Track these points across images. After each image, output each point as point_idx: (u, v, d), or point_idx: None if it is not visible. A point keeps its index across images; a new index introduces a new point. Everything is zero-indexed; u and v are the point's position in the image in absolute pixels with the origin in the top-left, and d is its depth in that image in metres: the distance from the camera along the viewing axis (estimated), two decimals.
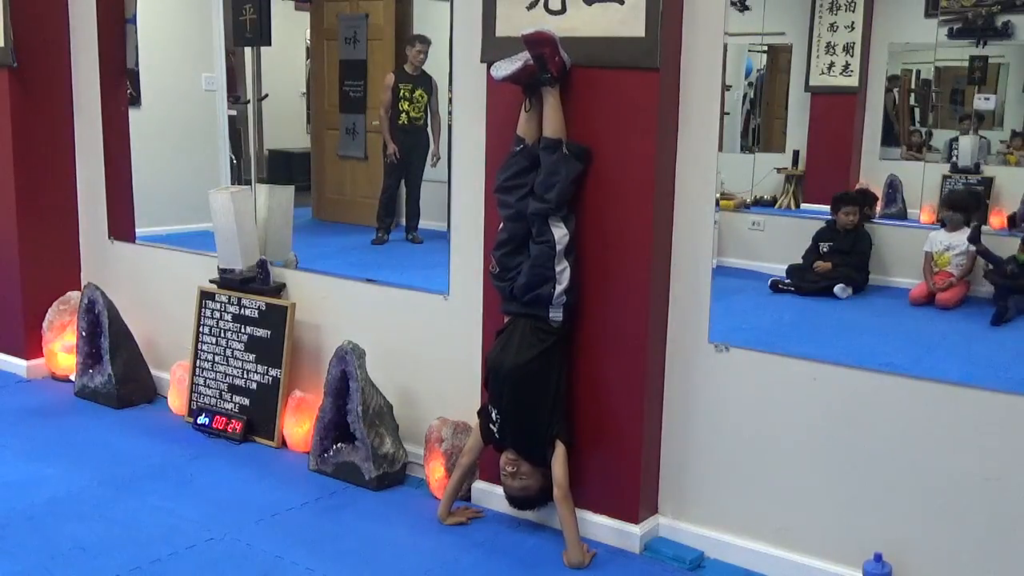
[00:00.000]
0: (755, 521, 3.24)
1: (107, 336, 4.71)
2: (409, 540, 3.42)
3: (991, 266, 4.32)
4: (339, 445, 3.93)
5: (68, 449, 4.17)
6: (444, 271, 3.82)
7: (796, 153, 5.41)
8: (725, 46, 3.13)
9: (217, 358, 4.48)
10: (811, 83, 5.30)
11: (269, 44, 4.47)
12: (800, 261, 4.81)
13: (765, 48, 5.58)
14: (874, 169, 5.17)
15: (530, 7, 3.29)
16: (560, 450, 3.30)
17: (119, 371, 4.70)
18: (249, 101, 4.87)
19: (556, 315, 3.27)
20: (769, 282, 4.68)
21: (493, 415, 3.41)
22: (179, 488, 3.80)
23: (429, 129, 6.45)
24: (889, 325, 4.43)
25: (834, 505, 3.08)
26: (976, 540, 2.85)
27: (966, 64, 4.93)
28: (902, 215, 5.07)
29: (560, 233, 3.22)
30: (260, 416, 4.31)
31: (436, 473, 3.73)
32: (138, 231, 5.18)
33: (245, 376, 4.38)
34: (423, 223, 6.22)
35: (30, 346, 5.10)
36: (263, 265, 4.40)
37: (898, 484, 2.96)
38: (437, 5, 6.04)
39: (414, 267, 5.95)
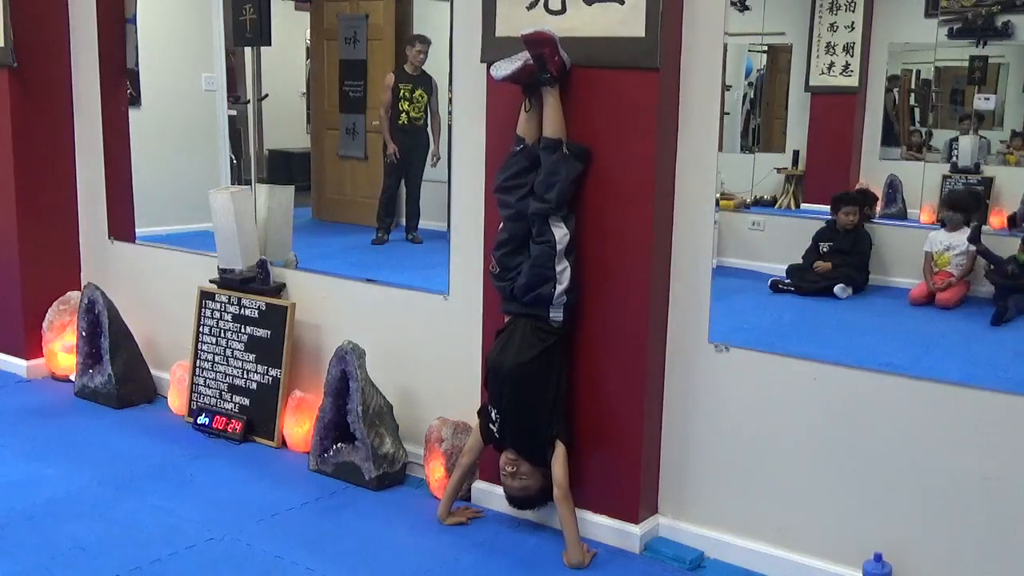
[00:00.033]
0: (755, 521, 3.24)
1: (107, 336, 4.71)
2: (409, 540, 3.42)
3: (992, 266, 4.32)
4: (339, 445, 3.93)
5: (68, 449, 4.17)
6: (444, 271, 3.82)
7: (796, 153, 5.41)
8: (725, 46, 3.13)
9: (217, 358, 4.48)
10: (811, 83, 5.30)
11: (269, 44, 4.47)
12: (800, 261, 4.81)
13: (765, 48, 5.58)
14: (874, 169, 5.17)
15: (530, 7, 3.29)
16: (560, 450, 3.30)
17: (119, 371, 4.70)
18: (249, 101, 4.87)
19: (556, 315, 3.27)
20: (769, 282, 4.68)
21: (493, 415, 3.41)
22: (179, 488, 3.80)
23: (429, 129, 6.45)
24: (889, 325, 4.43)
25: (834, 505, 3.08)
26: (976, 540, 2.85)
27: (966, 64, 4.94)
28: (902, 215, 5.07)
29: (560, 233, 3.22)
30: (260, 416, 4.31)
31: (436, 473, 3.73)
32: (138, 231, 5.18)
33: (245, 376, 4.38)
34: (423, 223, 6.22)
35: (30, 346, 5.10)
36: (263, 265, 4.40)
37: (898, 484, 2.96)
38: (437, 5, 6.04)
39: (414, 267, 5.95)
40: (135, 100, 5.72)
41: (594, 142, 3.23)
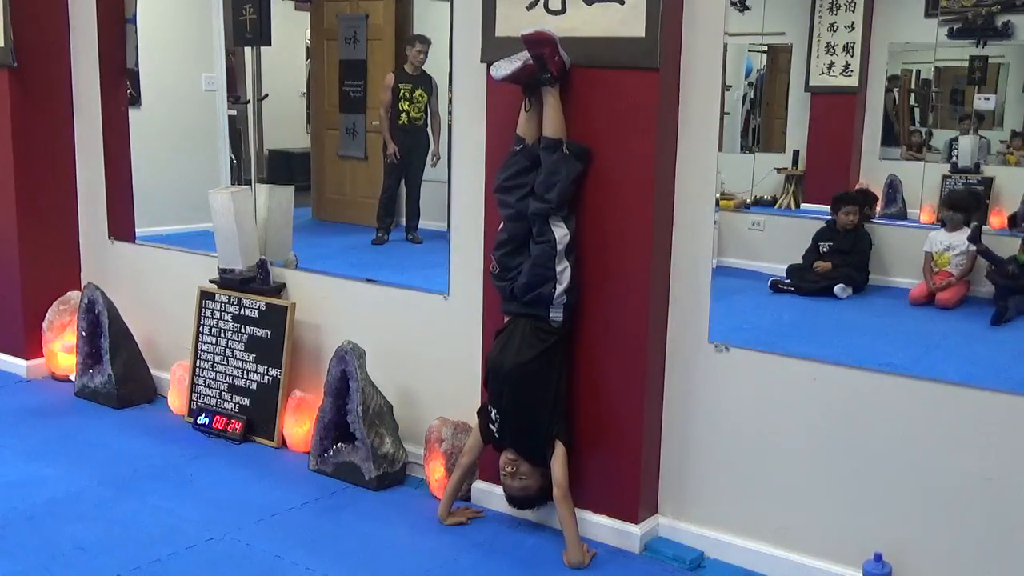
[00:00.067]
0: (755, 521, 3.24)
1: (107, 336, 4.71)
2: (409, 540, 3.42)
3: (992, 266, 4.32)
4: (339, 445, 3.93)
5: (68, 449, 4.17)
6: (444, 271, 3.82)
7: (796, 153, 5.41)
8: (725, 46, 3.13)
9: (217, 358, 4.48)
10: (811, 83, 5.30)
11: (269, 44, 4.47)
12: (800, 261, 4.81)
13: (765, 48, 5.58)
14: (874, 169, 5.17)
15: (530, 7, 3.29)
16: (560, 450, 3.30)
17: (119, 371, 4.70)
18: (249, 101, 4.87)
19: (556, 315, 3.27)
20: (769, 282, 4.68)
21: (493, 415, 3.41)
22: (179, 488, 3.80)
23: (429, 129, 6.45)
24: (889, 325, 4.43)
25: (834, 505, 3.08)
26: (976, 540, 2.85)
27: (966, 64, 4.93)
28: (902, 215, 5.07)
29: (561, 233, 3.22)
30: (260, 416, 4.31)
31: (436, 473, 3.73)
32: (138, 231, 5.18)
33: (245, 376, 4.38)
34: (423, 223, 6.22)
35: (30, 346, 5.10)
36: (263, 265, 4.40)
37: (898, 484, 2.96)
38: (437, 5, 6.04)
39: (414, 267, 5.95)
40: (135, 100, 5.72)
41: (594, 142, 3.23)
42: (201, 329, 4.54)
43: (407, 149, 6.40)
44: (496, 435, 3.42)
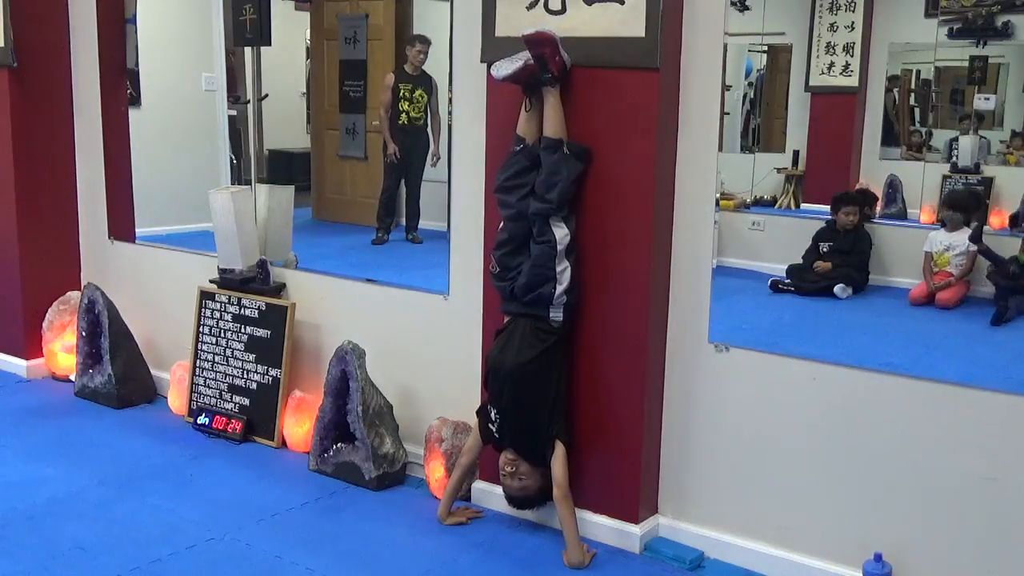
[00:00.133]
0: (755, 521, 3.24)
1: (107, 336, 4.71)
2: (409, 540, 3.42)
3: (993, 266, 4.32)
4: (339, 445, 3.93)
5: (68, 449, 4.17)
6: (444, 271, 3.82)
7: (796, 153, 5.41)
8: (725, 46, 3.13)
9: (217, 358, 4.48)
10: (811, 83, 5.30)
11: (269, 44, 4.47)
12: (800, 261, 4.81)
13: (765, 48, 5.58)
14: (874, 169, 5.17)
15: (530, 7, 3.29)
16: (560, 450, 3.30)
17: (119, 371, 4.70)
18: (249, 101, 4.87)
19: (556, 315, 3.27)
20: (769, 282, 4.67)
21: (492, 415, 3.41)
22: (179, 488, 3.80)
23: (429, 129, 6.45)
24: (889, 325, 4.43)
25: (834, 505, 3.08)
26: (976, 540, 2.85)
27: (966, 64, 4.93)
28: (902, 215, 5.07)
29: (561, 233, 3.22)
30: (260, 416, 4.31)
31: (436, 473, 3.73)
32: (138, 231, 5.17)
33: (245, 376, 4.38)
34: (423, 223, 6.22)
35: (30, 346, 5.10)
36: (263, 265, 4.40)
37: (898, 484, 2.96)
38: (437, 5, 6.04)
39: (414, 267, 5.95)
40: (135, 100, 5.72)
41: (594, 142, 3.23)
42: (201, 329, 4.54)
43: (407, 149, 6.40)
44: (496, 435, 3.42)
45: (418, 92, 6.41)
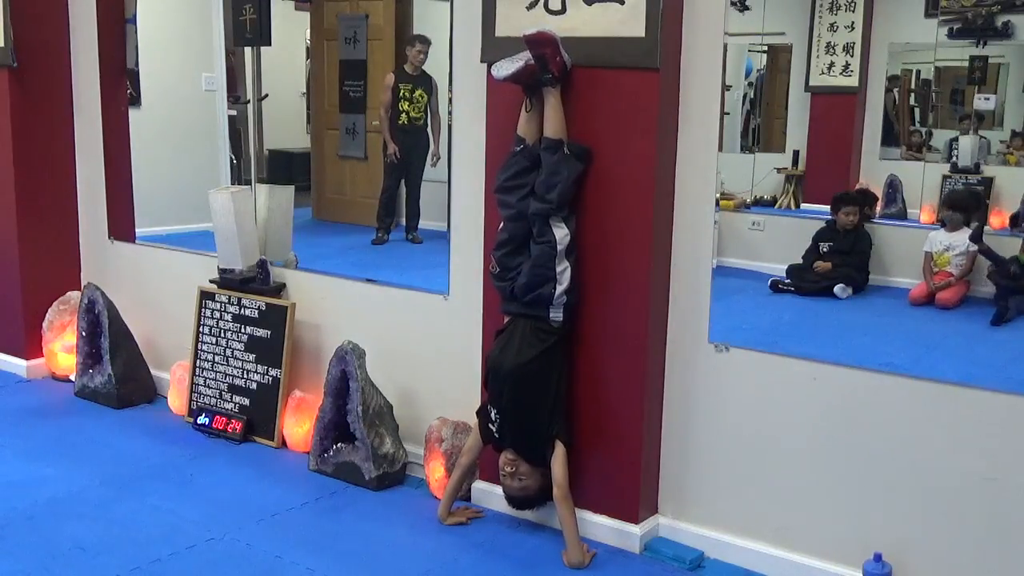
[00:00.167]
0: (755, 521, 3.24)
1: (107, 336, 4.71)
2: (409, 540, 3.42)
3: (994, 266, 4.32)
4: (339, 445, 3.93)
5: (68, 449, 4.17)
6: (444, 271, 3.82)
7: (796, 153, 5.41)
8: (725, 46, 3.13)
9: (217, 358, 4.48)
10: (811, 83, 5.30)
11: (269, 44, 4.47)
12: (800, 261, 4.81)
13: (765, 48, 5.58)
14: (874, 169, 5.17)
15: (530, 7, 3.29)
16: (560, 450, 3.30)
17: (119, 371, 4.70)
18: (249, 101, 4.87)
19: (556, 315, 3.27)
20: (769, 282, 4.67)
21: (492, 415, 3.41)
22: (179, 488, 3.80)
23: (429, 129, 6.45)
24: (889, 325, 4.43)
25: (834, 505, 3.08)
26: (976, 540, 2.85)
27: (966, 64, 4.93)
28: (902, 215, 5.07)
29: (561, 233, 3.22)
30: (260, 416, 4.31)
31: (436, 473, 3.73)
32: (138, 231, 5.17)
33: (245, 376, 4.38)
34: (423, 223, 6.22)
35: (30, 346, 5.10)
36: (263, 265, 4.40)
37: (898, 484, 2.96)
38: (437, 5, 6.04)
39: (414, 267, 5.95)
40: (135, 100, 5.72)
41: (594, 142, 3.23)
42: (201, 329, 4.54)
43: (407, 149, 6.40)
44: (496, 435, 3.42)
45: (418, 92, 6.41)
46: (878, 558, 2.92)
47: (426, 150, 6.39)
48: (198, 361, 4.54)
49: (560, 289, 3.23)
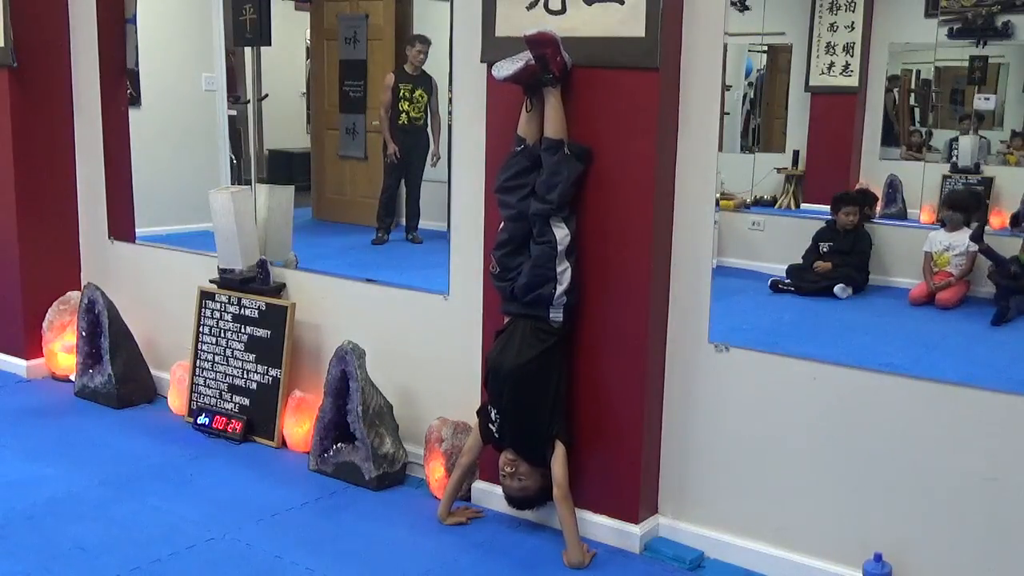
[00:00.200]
0: (755, 521, 3.24)
1: (107, 336, 4.71)
2: (409, 540, 3.42)
3: (994, 266, 4.32)
4: (339, 445, 3.93)
5: (68, 449, 4.17)
6: (444, 271, 3.82)
7: (796, 153, 5.41)
8: (725, 46, 3.13)
9: (217, 358, 4.48)
10: (811, 83, 5.31)
11: (269, 44, 4.47)
12: (800, 261, 4.81)
13: (765, 48, 5.58)
14: (874, 169, 5.17)
15: (530, 7, 3.29)
16: (560, 450, 3.30)
17: (119, 371, 4.70)
18: (249, 101, 4.87)
19: (556, 315, 3.27)
20: (769, 282, 4.68)
21: (492, 415, 3.41)
22: (179, 488, 3.80)
23: (429, 129, 6.45)
24: (889, 325, 4.43)
25: (834, 505, 3.08)
26: (976, 540, 2.85)
27: (966, 64, 4.94)
28: (902, 215, 5.08)
29: (562, 233, 3.22)
30: (260, 416, 4.31)
31: (436, 473, 3.73)
32: (138, 231, 5.17)
33: (245, 376, 4.38)
34: (423, 223, 6.22)
35: (30, 346, 5.10)
36: (263, 265, 4.40)
37: (898, 484, 2.96)
38: (437, 5, 6.05)
39: (414, 267, 5.95)
40: (135, 100, 5.72)
41: (594, 142, 3.23)
42: (201, 329, 4.54)
43: (407, 149, 6.40)
44: (496, 435, 3.42)
45: (418, 92, 6.42)
46: (878, 558, 2.92)
47: (426, 150, 6.39)
48: (198, 361, 4.54)
49: (560, 289, 3.23)
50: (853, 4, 5.10)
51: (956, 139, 5.13)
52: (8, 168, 4.96)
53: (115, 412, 4.66)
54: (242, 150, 6.48)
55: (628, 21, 3.10)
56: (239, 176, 6.29)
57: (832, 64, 5.18)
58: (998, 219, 4.74)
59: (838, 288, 4.59)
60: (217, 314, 4.48)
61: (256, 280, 4.41)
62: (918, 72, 5.34)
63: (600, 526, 3.40)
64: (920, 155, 5.23)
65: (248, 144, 5.34)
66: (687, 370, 3.31)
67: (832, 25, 5.15)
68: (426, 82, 6.40)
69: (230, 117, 6.46)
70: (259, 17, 4.37)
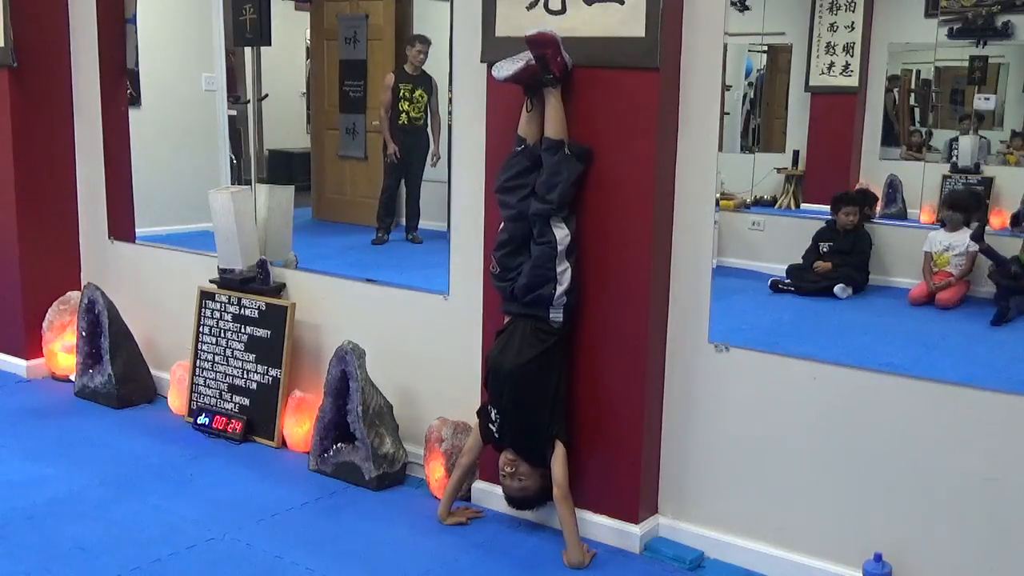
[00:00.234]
0: (755, 521, 3.24)
1: (107, 336, 4.71)
2: (409, 540, 3.42)
3: (995, 266, 4.32)
4: (339, 445, 3.93)
5: (68, 449, 4.17)
6: (444, 271, 3.82)
7: (796, 153, 5.41)
8: (725, 46, 3.13)
9: (217, 358, 4.48)
10: (811, 83, 5.31)
11: (269, 44, 4.47)
12: (800, 261, 4.81)
13: (765, 48, 5.58)
14: (874, 169, 5.17)
15: (530, 7, 3.29)
16: (560, 450, 3.30)
17: (119, 371, 4.70)
18: (249, 101, 4.87)
19: (556, 316, 3.27)
20: (769, 282, 4.68)
21: (492, 415, 3.41)
22: (179, 488, 3.80)
23: (429, 129, 6.45)
24: (889, 325, 4.43)
25: (834, 505, 3.08)
26: (976, 540, 2.85)
27: (966, 64, 4.94)
28: (902, 215, 5.08)
29: (562, 234, 3.22)
30: (260, 416, 4.31)
31: (436, 473, 3.73)
32: (138, 231, 5.17)
33: (245, 376, 4.38)
34: (423, 223, 6.22)
35: (30, 346, 5.10)
36: (263, 265, 4.40)
37: (898, 484, 2.96)
38: (437, 5, 6.05)
39: (414, 267, 5.95)
40: (135, 100, 5.72)
41: (594, 142, 3.23)
42: (201, 329, 4.54)
43: (407, 149, 6.40)
44: (496, 435, 3.42)
45: (418, 92, 6.42)
46: (878, 558, 2.92)
47: (426, 150, 6.39)
48: (198, 361, 4.54)
49: (560, 289, 3.23)
50: (853, 4, 5.10)
51: (956, 139, 5.13)
52: (8, 168, 4.96)
53: (115, 412, 4.66)
54: (242, 150, 6.48)
55: (628, 21, 3.10)
56: (239, 176, 6.29)
57: (832, 64, 5.18)
58: (998, 219, 4.74)
59: (838, 288, 4.59)
60: (217, 314, 4.48)
61: (256, 280, 4.41)
62: (918, 72, 5.34)
63: (600, 526, 3.40)
64: (920, 155, 5.23)
65: (248, 144, 5.34)
66: (687, 370, 3.31)
67: (832, 25, 5.15)
68: (426, 82, 6.40)
69: (230, 117, 6.46)
70: (259, 17, 4.37)
